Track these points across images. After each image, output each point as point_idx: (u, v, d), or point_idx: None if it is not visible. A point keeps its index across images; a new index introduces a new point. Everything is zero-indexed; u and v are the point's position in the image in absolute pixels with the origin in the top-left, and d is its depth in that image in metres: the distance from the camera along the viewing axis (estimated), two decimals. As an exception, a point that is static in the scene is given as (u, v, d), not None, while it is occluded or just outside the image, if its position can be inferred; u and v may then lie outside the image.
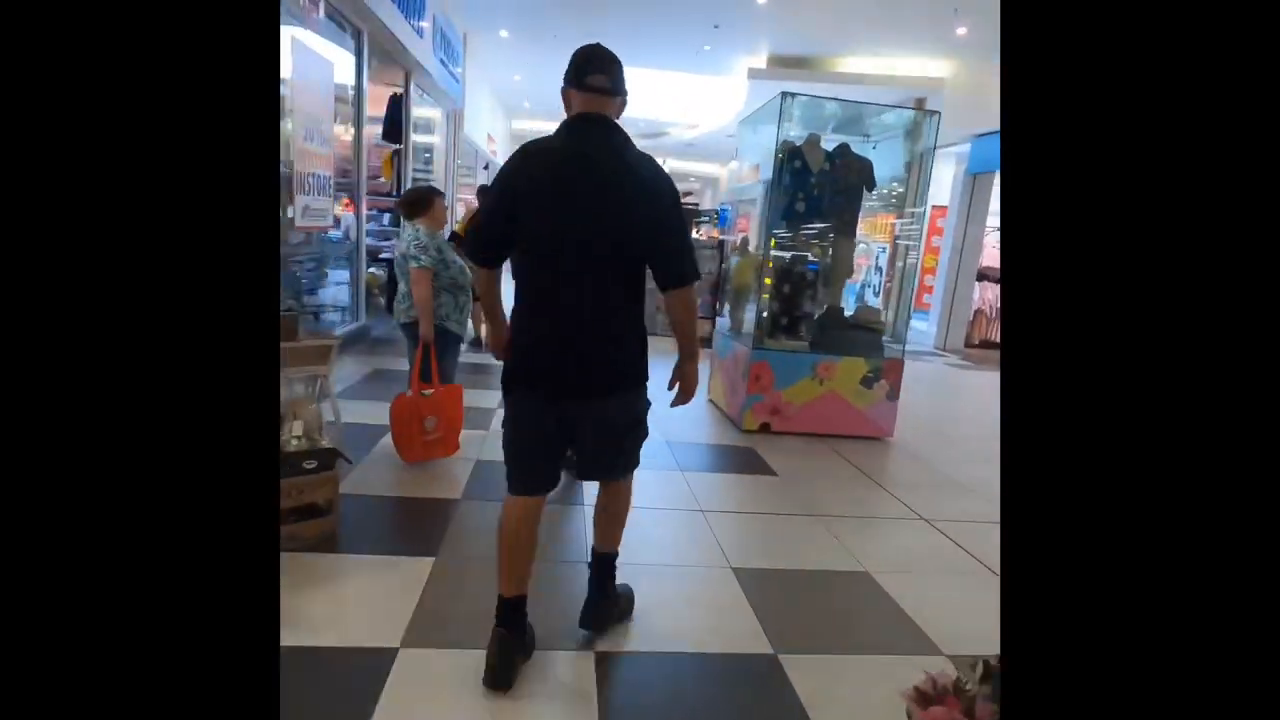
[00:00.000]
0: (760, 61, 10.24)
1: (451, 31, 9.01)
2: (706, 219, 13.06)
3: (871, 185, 4.68)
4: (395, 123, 7.99)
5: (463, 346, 3.61)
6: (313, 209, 5.12)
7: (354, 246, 6.28)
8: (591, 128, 1.71)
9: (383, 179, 8.74)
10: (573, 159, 1.68)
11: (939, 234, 10.68)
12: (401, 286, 3.31)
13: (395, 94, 7.94)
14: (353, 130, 6.15)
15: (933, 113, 4.55)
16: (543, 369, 1.75)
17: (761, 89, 9.95)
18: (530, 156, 1.73)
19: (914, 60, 9.83)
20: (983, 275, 10.37)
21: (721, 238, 10.16)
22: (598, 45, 1.79)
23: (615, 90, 1.74)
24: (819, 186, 4.43)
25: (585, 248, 1.67)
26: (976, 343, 10.51)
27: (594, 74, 1.72)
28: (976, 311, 10.64)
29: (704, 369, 5.40)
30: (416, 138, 9.57)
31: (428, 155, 9.97)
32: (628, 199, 1.67)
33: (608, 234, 1.67)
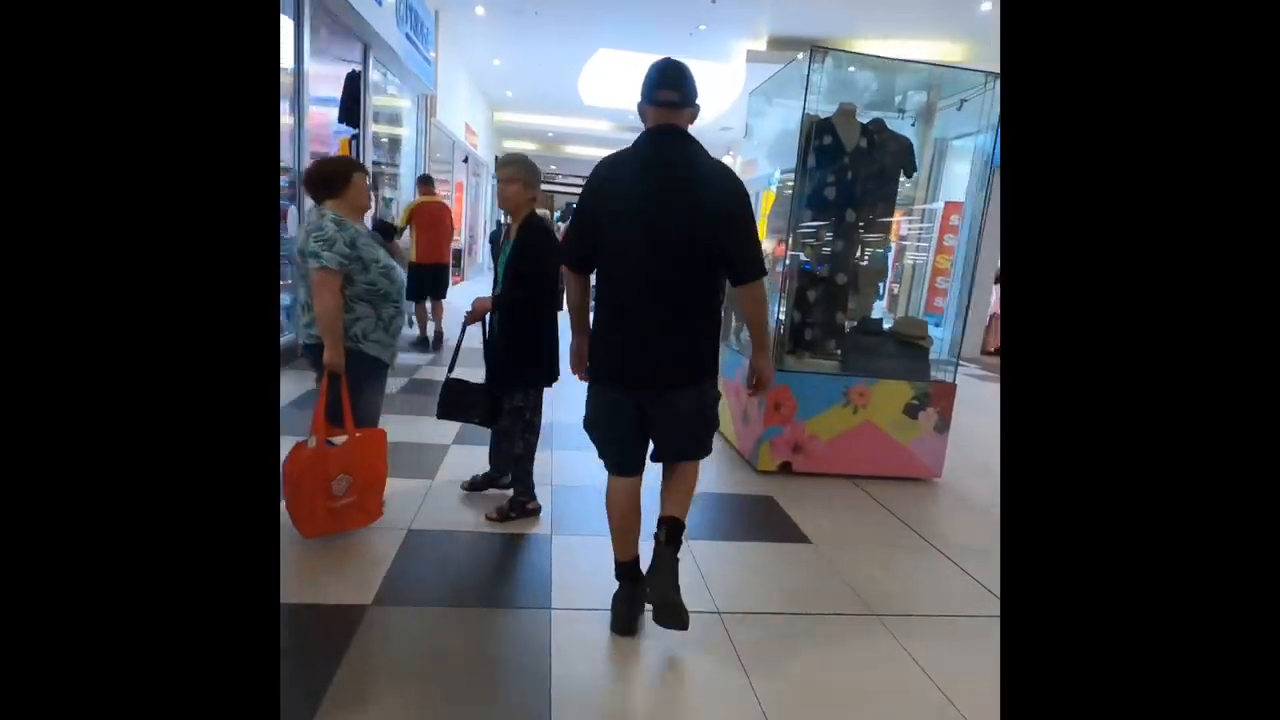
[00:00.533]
0: (760, 44, 9.40)
1: (421, 6, 8.10)
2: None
3: (912, 169, 3.84)
4: (353, 104, 7.08)
5: (394, 366, 2.71)
6: None
7: (289, 244, 5.36)
8: (666, 139, 1.84)
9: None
10: (651, 167, 1.83)
11: (952, 232, 9.91)
12: (300, 294, 2.41)
13: (354, 71, 7.03)
14: (291, 108, 5.22)
15: (991, 74, 3.71)
16: (624, 362, 1.89)
17: (761, 74, 9.11)
18: (612, 167, 1.89)
19: (928, 43, 9.02)
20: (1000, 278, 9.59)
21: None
22: (667, 60, 1.88)
23: (685, 102, 1.85)
24: (853, 168, 3.57)
25: (665, 249, 1.80)
26: (993, 350, 9.74)
27: (664, 89, 1.84)
28: (992, 316, 9.87)
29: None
30: (385, 128, 8.65)
31: (397, 145, 9.05)
32: (703, 201, 1.79)
33: (686, 234, 1.79)
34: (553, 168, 26.57)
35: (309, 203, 5.39)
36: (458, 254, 14.98)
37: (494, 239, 15.75)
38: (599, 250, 1.87)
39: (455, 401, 2.67)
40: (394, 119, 8.78)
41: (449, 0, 8.90)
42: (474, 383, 2.70)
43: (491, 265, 11.06)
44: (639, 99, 1.88)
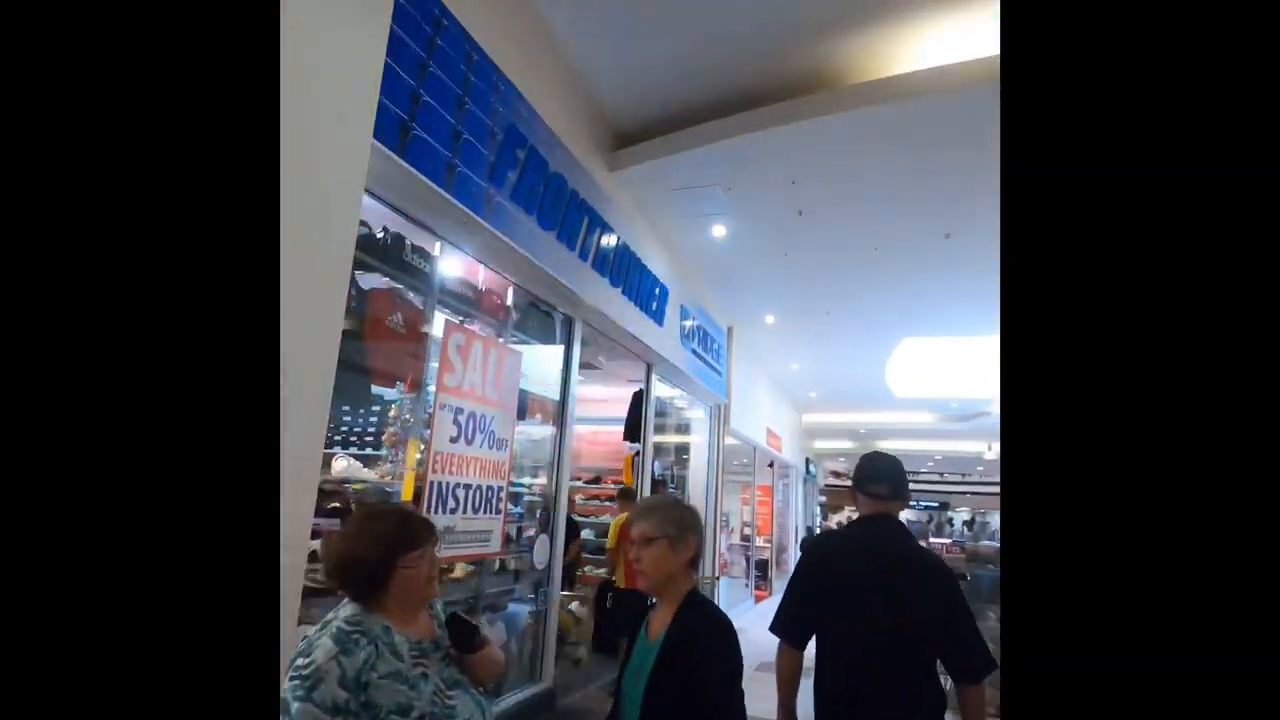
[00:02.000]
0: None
1: (711, 324, 8.30)
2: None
3: None
4: (637, 421, 7.01)
5: None
6: (466, 531, 3.80)
7: (544, 575, 4.77)
8: (878, 526, 2.05)
9: (624, 483, 7.65)
10: (864, 552, 2.00)
11: None
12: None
13: (639, 390, 7.09)
14: (555, 430, 5.05)
15: None
16: None
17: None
18: (826, 549, 2.26)
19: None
20: None
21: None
22: (877, 455, 2.15)
23: (895, 496, 2.05)
24: None
25: (880, 632, 1.87)
26: None
27: (875, 484, 2.06)
28: None
29: None
30: (674, 437, 8.54)
31: (685, 453, 8.80)
32: (916, 587, 1.90)
33: (900, 618, 1.86)
34: (871, 464, 25.00)
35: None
36: (763, 564, 13.72)
37: (804, 545, 14.22)
38: (817, 625, 1.98)
39: None
40: (683, 428, 8.63)
41: (740, 314, 9.09)
42: None
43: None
44: (851, 483, 2.15)
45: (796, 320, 9.08)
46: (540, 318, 4.79)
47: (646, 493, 6.66)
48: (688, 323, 7.38)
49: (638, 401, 7.02)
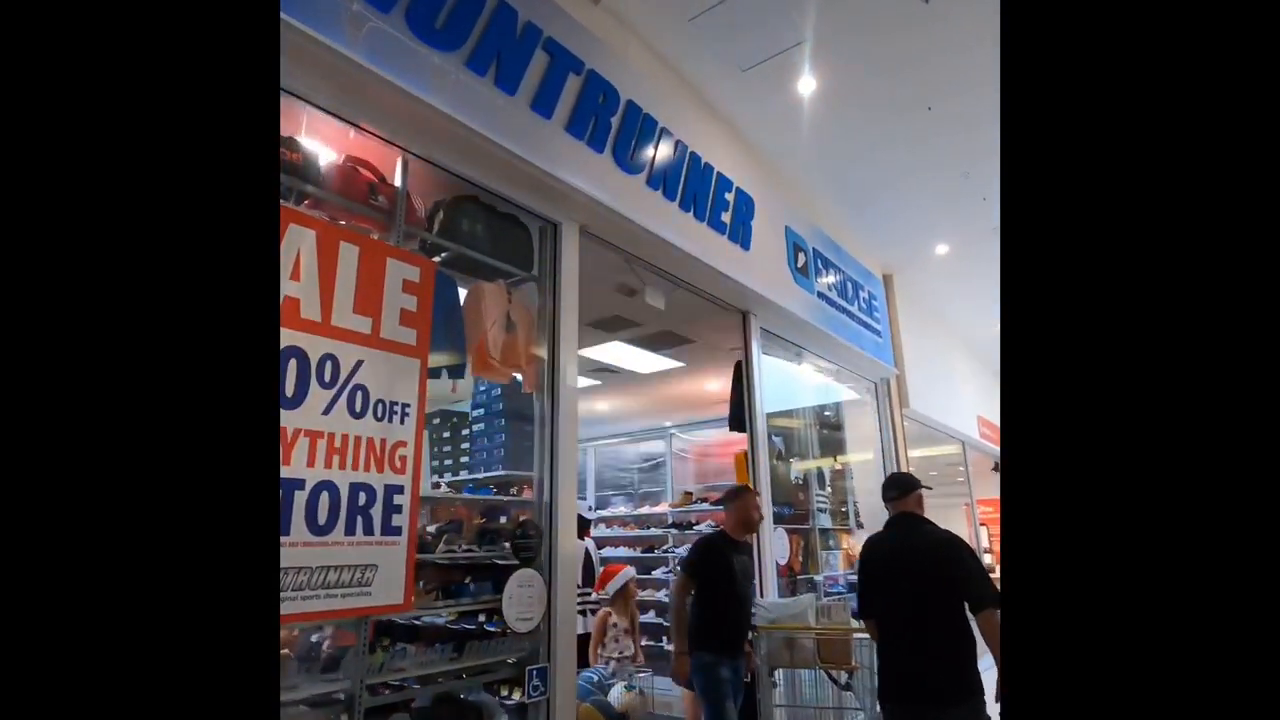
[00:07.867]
0: None
1: (850, 265, 5.93)
2: None
3: None
4: (742, 401, 4.85)
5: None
6: (303, 568, 2.04)
7: (539, 645, 2.77)
8: (904, 522, 2.88)
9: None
10: (897, 542, 2.84)
11: None
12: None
13: (739, 362, 4.94)
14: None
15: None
16: (904, 685, 2.60)
17: None
18: (874, 545, 2.96)
19: None
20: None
21: None
22: (891, 474, 3.12)
23: (905, 496, 2.92)
24: None
25: (919, 599, 2.63)
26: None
27: (889, 491, 2.98)
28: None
29: None
30: (823, 460, 6.16)
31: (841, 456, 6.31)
32: (939, 562, 2.66)
33: (931, 587, 2.63)
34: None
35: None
36: (1007, 604, 10.20)
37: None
38: (875, 602, 2.82)
39: None
40: (830, 419, 6.18)
41: (898, 250, 6.56)
42: None
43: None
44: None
45: (982, 245, 6.32)
46: (495, 222, 3.00)
47: (766, 497, 4.42)
48: (803, 254, 5.14)
49: (740, 374, 4.87)
